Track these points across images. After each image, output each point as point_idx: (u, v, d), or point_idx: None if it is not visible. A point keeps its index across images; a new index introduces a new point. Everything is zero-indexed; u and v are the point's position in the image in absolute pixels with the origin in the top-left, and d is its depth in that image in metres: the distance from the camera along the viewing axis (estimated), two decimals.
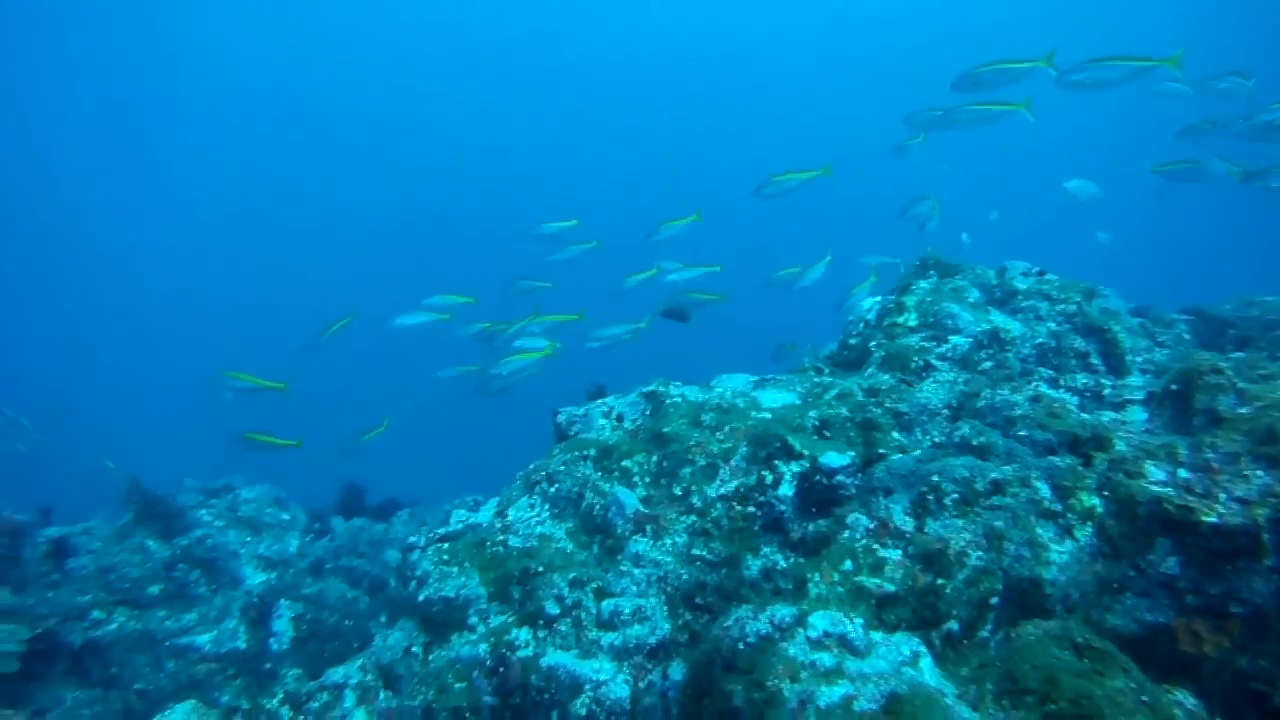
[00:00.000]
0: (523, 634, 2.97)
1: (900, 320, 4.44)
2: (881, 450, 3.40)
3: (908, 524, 2.77)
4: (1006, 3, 34.96)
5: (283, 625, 5.67)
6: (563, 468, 3.46)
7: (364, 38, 40.23)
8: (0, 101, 34.02)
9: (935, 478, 2.82)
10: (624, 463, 3.42)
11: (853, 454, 3.40)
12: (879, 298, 5.38)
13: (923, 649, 2.29)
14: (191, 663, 5.42)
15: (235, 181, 40.75)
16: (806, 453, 3.37)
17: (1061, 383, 3.98)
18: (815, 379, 4.48)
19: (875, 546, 2.70)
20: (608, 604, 3.00)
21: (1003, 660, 2.15)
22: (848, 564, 2.65)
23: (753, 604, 2.49)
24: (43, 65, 34.33)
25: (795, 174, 7.20)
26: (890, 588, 2.55)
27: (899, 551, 2.70)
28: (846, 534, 2.80)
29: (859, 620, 2.40)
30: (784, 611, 2.41)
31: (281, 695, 3.10)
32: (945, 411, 3.75)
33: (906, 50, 36.90)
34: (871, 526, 2.80)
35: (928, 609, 2.55)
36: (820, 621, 2.33)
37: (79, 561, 5.85)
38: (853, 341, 4.97)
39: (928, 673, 2.24)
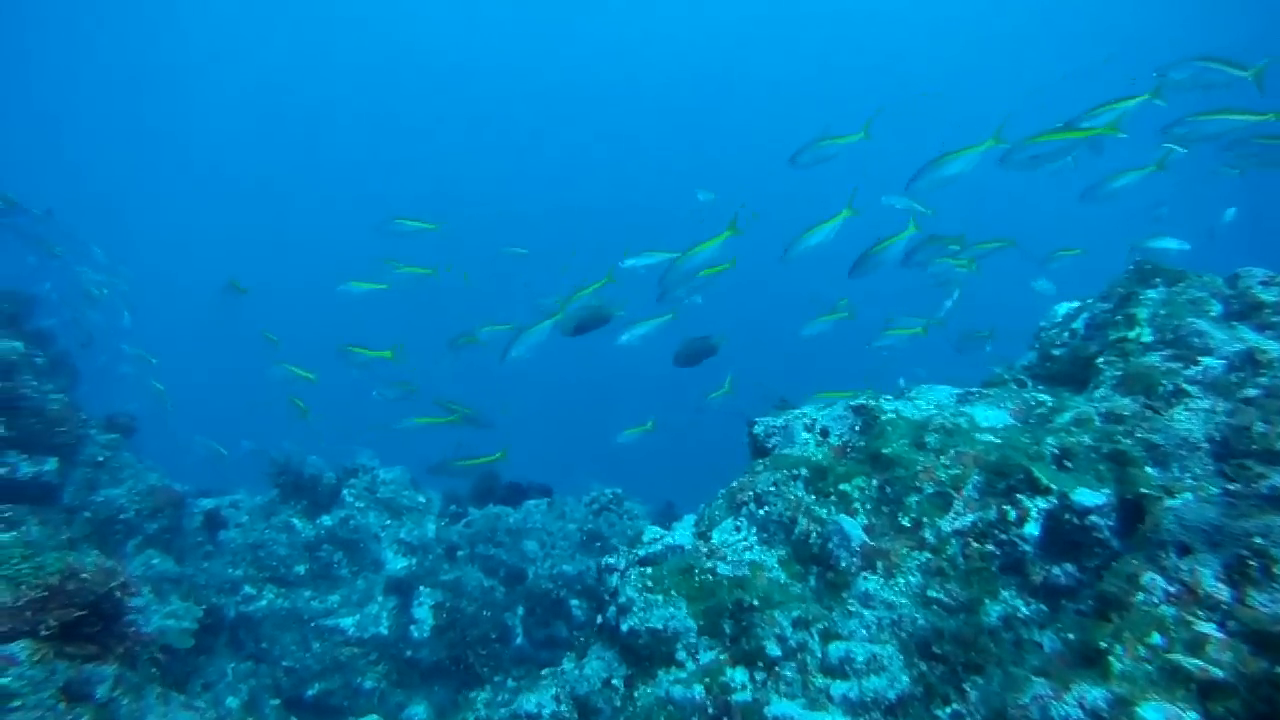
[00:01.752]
0: (738, 675, 2.67)
1: (1132, 335, 3.89)
2: (1143, 489, 2.94)
3: (1223, 592, 2.31)
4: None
5: (423, 613, 5.59)
6: (772, 488, 3.12)
7: (380, 20, 39.35)
8: (18, 91, 34.85)
9: (1258, 540, 2.35)
10: (841, 486, 3.06)
11: (1107, 492, 2.96)
12: (1075, 303, 4.84)
13: None
14: (336, 645, 5.39)
15: (247, 166, 40.95)
16: (1055, 487, 2.95)
17: None
18: (1023, 394, 4.01)
19: (1187, 618, 2.26)
20: (836, 648, 2.67)
21: None
22: (1156, 637, 2.22)
23: (1051, 679, 2.10)
24: (55, 38, 34.64)
25: (835, 139, 6.48)
26: (1218, 673, 2.12)
27: (1214, 626, 2.25)
28: (1142, 596, 2.37)
29: (1193, 715, 1.99)
30: (1095, 693, 2.02)
31: None
32: (1206, 445, 3.23)
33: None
34: (1173, 591, 2.36)
35: (1264, 703, 2.10)
36: (1152, 715, 1.93)
37: (228, 534, 5.93)
38: (1056, 352, 4.46)
39: None
